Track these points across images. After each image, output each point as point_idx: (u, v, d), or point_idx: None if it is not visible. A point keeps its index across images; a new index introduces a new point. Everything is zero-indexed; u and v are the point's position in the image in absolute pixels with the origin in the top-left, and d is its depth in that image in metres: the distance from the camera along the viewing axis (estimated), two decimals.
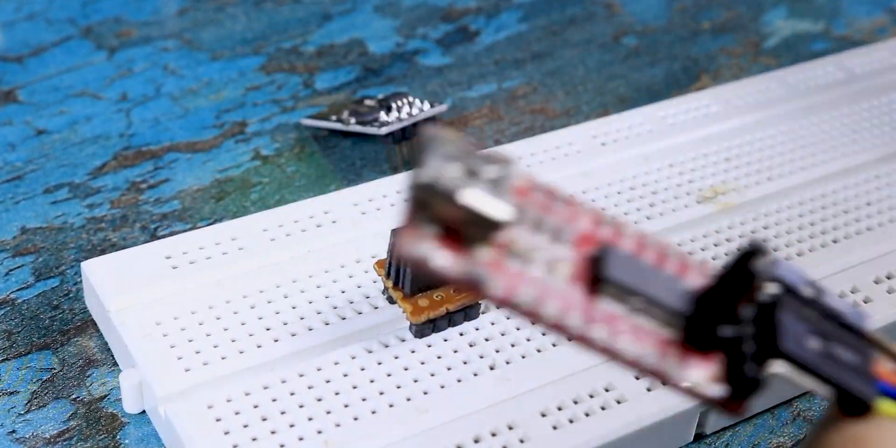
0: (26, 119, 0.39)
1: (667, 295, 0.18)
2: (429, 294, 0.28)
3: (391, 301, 0.29)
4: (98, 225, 0.35)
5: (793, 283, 0.19)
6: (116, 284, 0.29)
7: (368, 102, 0.39)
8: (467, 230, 0.17)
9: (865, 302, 0.31)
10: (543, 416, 0.27)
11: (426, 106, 0.38)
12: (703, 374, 0.18)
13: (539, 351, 0.29)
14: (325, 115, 0.39)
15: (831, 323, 0.19)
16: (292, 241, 0.31)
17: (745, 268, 0.18)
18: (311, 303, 0.29)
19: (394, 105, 0.38)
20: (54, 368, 0.30)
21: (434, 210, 0.17)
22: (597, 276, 0.18)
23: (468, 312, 0.29)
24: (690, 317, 0.18)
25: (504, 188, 0.17)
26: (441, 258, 0.17)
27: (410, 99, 0.38)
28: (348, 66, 0.43)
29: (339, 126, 0.38)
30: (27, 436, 0.29)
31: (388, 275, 0.29)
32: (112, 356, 0.31)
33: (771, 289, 0.19)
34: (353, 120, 0.38)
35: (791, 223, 0.33)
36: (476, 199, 0.17)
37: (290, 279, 0.30)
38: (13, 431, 0.29)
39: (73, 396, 0.30)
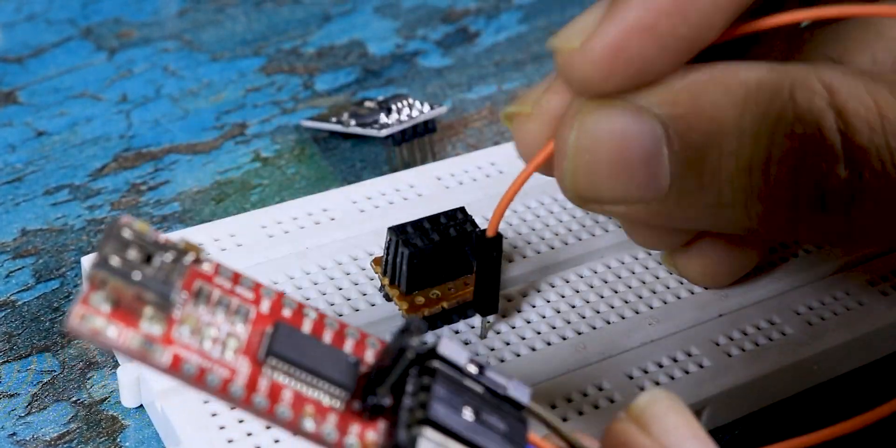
0: (26, 120, 0.39)
1: (333, 369, 0.21)
2: (425, 292, 0.28)
3: (388, 298, 0.30)
4: (98, 227, 0.35)
5: (454, 359, 0.21)
6: None
7: (368, 104, 0.39)
8: (138, 307, 0.20)
9: (861, 304, 0.31)
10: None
11: (426, 108, 0.38)
12: (357, 441, 0.20)
13: (534, 349, 0.29)
14: (325, 116, 0.39)
15: (493, 396, 0.22)
16: (290, 238, 0.31)
17: (401, 344, 0.21)
18: (308, 299, 0.30)
19: (394, 107, 0.38)
20: (55, 371, 0.30)
21: (109, 288, 0.19)
22: (265, 350, 0.21)
23: (464, 311, 0.29)
24: (355, 387, 0.21)
25: (179, 272, 0.20)
26: (111, 331, 0.19)
27: (410, 101, 0.38)
28: (348, 67, 0.43)
29: (339, 128, 0.38)
30: (27, 438, 0.29)
31: (384, 272, 0.29)
32: (113, 358, 0.31)
33: (434, 364, 0.21)
34: (353, 121, 0.38)
35: None
36: (146, 280, 0.20)
37: (288, 276, 0.30)
38: (13, 434, 0.29)
39: (74, 399, 0.30)
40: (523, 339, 0.29)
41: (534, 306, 0.30)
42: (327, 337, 0.22)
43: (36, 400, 0.30)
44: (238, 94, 0.41)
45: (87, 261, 0.22)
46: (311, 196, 0.33)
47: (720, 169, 0.23)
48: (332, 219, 0.32)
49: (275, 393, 0.20)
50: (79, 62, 0.42)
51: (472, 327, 0.29)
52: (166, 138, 0.39)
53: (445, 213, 0.29)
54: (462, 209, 0.29)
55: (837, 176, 0.23)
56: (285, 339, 0.21)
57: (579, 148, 0.23)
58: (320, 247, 0.31)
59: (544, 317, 0.30)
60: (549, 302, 0.30)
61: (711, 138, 0.23)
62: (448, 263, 0.28)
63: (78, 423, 0.29)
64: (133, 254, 0.20)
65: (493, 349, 0.29)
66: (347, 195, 0.33)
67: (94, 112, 0.40)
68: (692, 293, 0.31)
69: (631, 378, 0.28)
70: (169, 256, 0.20)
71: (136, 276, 0.20)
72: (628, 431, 0.21)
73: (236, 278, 0.22)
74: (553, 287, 0.31)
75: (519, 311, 0.30)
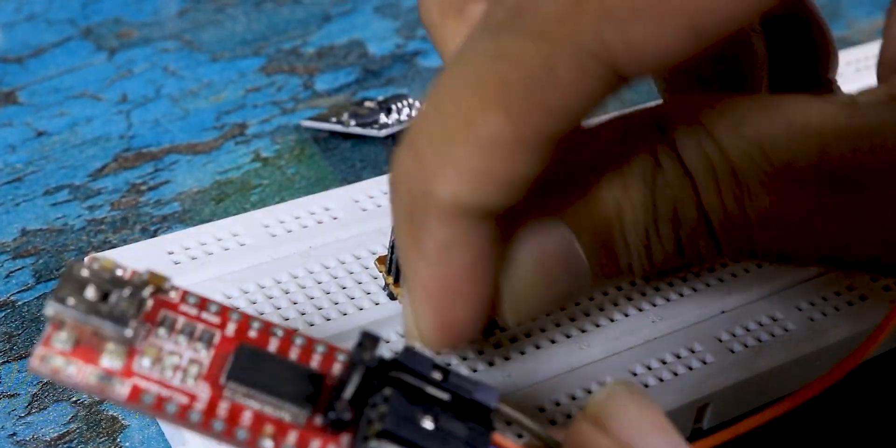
0: (26, 120, 0.39)
1: (295, 386, 0.22)
2: None
3: (392, 297, 0.30)
4: (98, 227, 0.35)
5: (417, 367, 0.22)
6: None
7: (368, 104, 0.39)
8: (99, 343, 0.21)
9: (863, 300, 0.31)
10: (542, 410, 0.27)
11: None
12: None
13: (538, 347, 0.29)
14: (325, 116, 0.39)
15: (460, 401, 0.22)
16: (293, 237, 0.31)
17: (360, 356, 0.21)
18: (311, 298, 0.30)
19: (394, 107, 0.38)
20: None
21: (68, 327, 0.21)
22: (225, 375, 0.21)
23: None
24: (318, 403, 0.22)
25: (137, 306, 0.21)
26: (70, 370, 0.21)
27: (410, 101, 0.38)
28: (348, 67, 0.43)
29: (339, 128, 0.38)
30: (27, 438, 0.29)
31: (388, 271, 0.29)
32: None
33: (396, 374, 0.22)
34: (353, 122, 0.38)
35: None
36: (101, 318, 0.21)
37: (292, 275, 0.30)
38: (13, 434, 0.29)
39: (74, 399, 0.30)
40: (528, 336, 0.29)
41: None
42: (294, 354, 0.23)
43: (36, 400, 0.30)
44: (238, 95, 0.41)
45: (48, 304, 0.23)
46: (313, 195, 0.33)
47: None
48: (335, 218, 0.32)
49: (234, 415, 0.21)
50: (79, 62, 0.42)
51: None
52: (166, 138, 0.39)
53: None
54: None
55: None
56: (245, 362, 0.22)
57: (515, 280, 0.23)
58: (324, 246, 0.31)
59: (548, 315, 0.30)
60: None
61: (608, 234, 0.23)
62: None
63: (78, 424, 0.29)
64: (90, 292, 0.21)
65: (497, 347, 0.29)
66: (350, 194, 0.33)
67: (94, 112, 0.40)
68: (695, 291, 0.31)
69: (635, 375, 0.28)
70: (126, 292, 0.22)
71: (92, 313, 0.21)
72: (585, 431, 0.20)
73: (203, 304, 0.23)
74: None
75: None
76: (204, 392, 0.22)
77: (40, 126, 0.39)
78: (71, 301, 0.21)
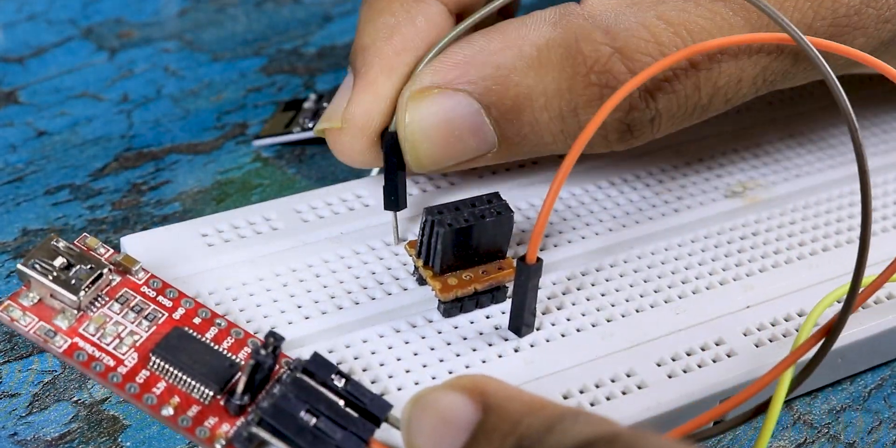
0: (27, 120, 0.39)
1: (211, 371, 0.25)
2: (458, 273, 0.29)
3: (421, 282, 0.30)
4: (99, 227, 0.35)
5: (318, 371, 0.25)
6: (154, 259, 0.30)
7: (308, 105, 0.39)
8: (56, 304, 0.26)
9: (888, 298, 0.31)
10: (566, 397, 0.28)
11: None
12: (209, 431, 0.25)
13: (563, 335, 0.29)
14: (274, 131, 0.38)
15: (351, 408, 0.25)
16: (325, 223, 0.32)
17: (257, 353, 0.25)
18: (341, 283, 0.30)
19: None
20: (56, 370, 0.30)
21: (32, 286, 0.26)
22: (153, 349, 0.25)
23: (495, 295, 0.30)
24: (227, 387, 0.25)
25: (93, 280, 0.26)
26: (24, 320, 0.26)
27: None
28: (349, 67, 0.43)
29: (312, 134, 0.37)
30: (28, 438, 0.29)
31: (418, 254, 0.29)
32: None
33: (297, 374, 0.25)
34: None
35: (818, 219, 0.34)
36: (57, 283, 0.26)
37: (322, 259, 0.31)
38: (14, 434, 0.29)
39: (75, 399, 0.30)
40: (553, 325, 0.30)
41: (564, 293, 0.30)
42: (226, 343, 0.26)
43: (37, 400, 0.30)
44: (239, 95, 0.41)
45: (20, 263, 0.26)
46: (346, 182, 0.34)
47: (536, 121, 0.28)
48: (367, 205, 0.33)
49: (150, 383, 0.25)
50: (79, 62, 0.42)
51: (503, 313, 0.30)
52: (167, 138, 0.39)
53: (480, 198, 0.29)
54: (496, 194, 0.29)
55: (636, 108, 0.27)
56: (174, 342, 0.26)
57: (414, 132, 0.28)
58: (355, 232, 0.32)
59: (574, 304, 0.30)
60: (579, 290, 0.31)
61: (521, 100, 0.27)
62: (481, 246, 0.29)
63: (79, 423, 0.29)
64: (57, 262, 0.26)
65: (521, 335, 0.29)
66: (382, 183, 0.33)
67: (95, 112, 0.40)
68: (721, 285, 0.31)
69: (659, 365, 0.29)
70: (86, 267, 0.26)
71: (51, 279, 0.26)
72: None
73: (163, 289, 0.27)
74: (584, 275, 0.31)
75: (549, 298, 0.30)
76: (131, 360, 0.26)
77: (41, 126, 0.39)
78: (38, 266, 0.26)
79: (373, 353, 0.28)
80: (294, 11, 0.46)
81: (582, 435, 0.20)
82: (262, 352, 0.24)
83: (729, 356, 0.29)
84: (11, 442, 0.29)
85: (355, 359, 0.28)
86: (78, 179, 0.37)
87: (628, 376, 0.28)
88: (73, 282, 0.26)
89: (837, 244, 0.33)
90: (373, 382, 0.28)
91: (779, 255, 0.32)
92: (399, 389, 0.27)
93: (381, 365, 0.28)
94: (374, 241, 0.31)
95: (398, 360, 0.28)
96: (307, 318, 0.29)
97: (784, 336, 0.30)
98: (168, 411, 0.25)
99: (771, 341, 0.30)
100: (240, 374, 0.25)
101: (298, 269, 0.30)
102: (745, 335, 0.30)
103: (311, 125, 0.38)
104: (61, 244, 0.26)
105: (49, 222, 0.35)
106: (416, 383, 0.28)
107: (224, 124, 0.40)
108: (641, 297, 0.31)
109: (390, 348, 0.28)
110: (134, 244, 0.30)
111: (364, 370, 0.28)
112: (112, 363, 0.25)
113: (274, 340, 0.25)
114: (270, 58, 0.43)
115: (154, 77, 0.42)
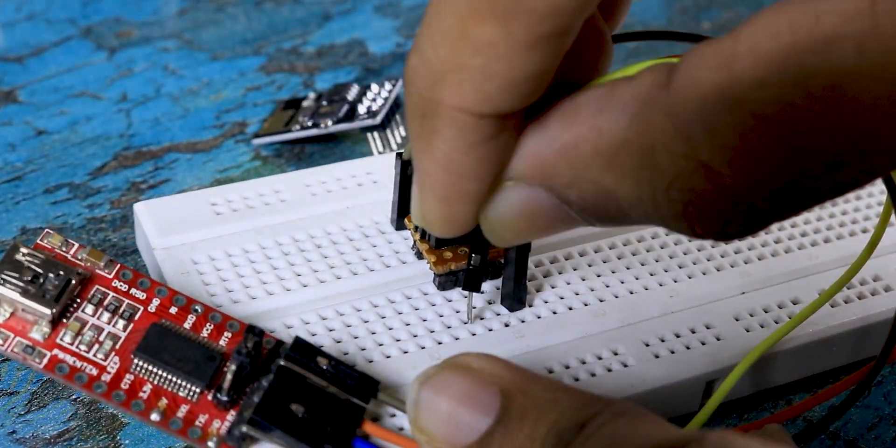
0: (26, 119, 0.39)
1: (195, 365, 0.25)
2: (454, 248, 0.29)
3: (419, 256, 0.30)
4: (98, 225, 0.35)
5: (303, 357, 0.25)
6: (163, 225, 0.31)
7: (307, 103, 0.39)
8: (29, 317, 0.25)
9: (886, 290, 0.31)
10: (550, 372, 0.28)
11: (387, 86, 0.39)
12: (201, 430, 0.24)
13: (555, 313, 0.29)
14: (273, 130, 0.38)
15: (340, 389, 0.25)
16: (332, 197, 0.32)
17: (239, 348, 0.24)
18: (342, 254, 0.30)
19: (347, 96, 0.38)
20: None
21: (4, 302, 0.24)
22: (134, 351, 0.25)
23: (490, 271, 0.30)
24: (214, 380, 0.25)
25: (62, 288, 0.25)
26: (1, 338, 0.24)
27: (356, 86, 0.39)
28: (348, 66, 0.43)
29: (310, 133, 0.37)
30: (27, 436, 0.29)
31: (416, 228, 0.29)
32: None
33: (281, 361, 0.25)
34: (329, 121, 0.38)
35: (819, 209, 0.34)
36: (22, 299, 0.24)
37: (326, 231, 0.31)
38: (13, 432, 0.29)
39: (73, 397, 0.30)
40: (546, 302, 0.30)
41: (560, 273, 0.31)
42: (206, 331, 0.26)
43: (36, 398, 0.30)
44: (238, 93, 0.41)
45: None
46: (356, 159, 0.34)
47: (624, 216, 0.23)
48: (375, 182, 0.33)
49: (135, 388, 0.25)
50: (79, 61, 0.42)
51: (497, 289, 0.30)
52: (166, 137, 0.39)
53: None
54: None
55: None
56: (154, 340, 0.25)
57: (496, 225, 0.24)
58: (360, 206, 0.32)
59: (569, 283, 0.30)
60: (575, 270, 0.31)
61: (602, 199, 0.23)
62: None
63: (78, 421, 0.29)
64: (25, 275, 0.25)
65: (512, 310, 0.29)
66: (392, 160, 0.33)
67: (95, 111, 0.40)
68: (717, 270, 0.31)
69: (647, 345, 0.29)
70: (55, 276, 0.25)
71: (22, 294, 0.24)
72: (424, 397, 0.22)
73: (134, 280, 0.26)
74: (582, 256, 0.31)
75: (545, 276, 0.30)
76: (113, 365, 0.25)
77: (40, 125, 0.39)
78: (4, 280, 0.24)
79: (365, 322, 0.29)
80: (293, 10, 0.46)
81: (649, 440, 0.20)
82: (244, 351, 0.24)
83: (718, 339, 0.29)
84: (10, 440, 0.28)
85: (347, 326, 0.28)
86: (77, 178, 0.37)
87: (615, 354, 0.29)
88: (45, 295, 0.25)
89: (840, 236, 0.33)
90: (362, 350, 0.28)
91: (778, 243, 0.32)
92: (387, 357, 0.28)
93: (373, 333, 0.28)
94: (377, 216, 0.32)
95: (389, 329, 0.28)
96: (305, 286, 0.29)
97: (776, 323, 0.30)
98: (156, 417, 0.24)
99: (762, 326, 0.30)
100: (225, 364, 0.25)
101: (301, 240, 0.31)
102: (737, 320, 0.30)
103: (310, 124, 0.38)
104: (26, 251, 0.25)
105: (48, 221, 0.35)
106: (405, 352, 0.28)
107: (223, 123, 0.40)
108: (637, 279, 0.31)
109: (383, 318, 0.29)
110: (146, 210, 0.31)
111: (355, 338, 0.28)
112: (95, 372, 0.25)
113: (253, 336, 0.25)
114: (270, 57, 0.43)
115: (153, 76, 0.42)
